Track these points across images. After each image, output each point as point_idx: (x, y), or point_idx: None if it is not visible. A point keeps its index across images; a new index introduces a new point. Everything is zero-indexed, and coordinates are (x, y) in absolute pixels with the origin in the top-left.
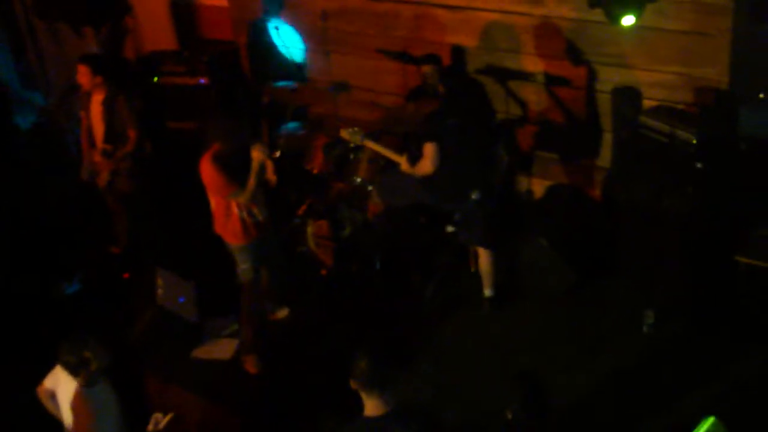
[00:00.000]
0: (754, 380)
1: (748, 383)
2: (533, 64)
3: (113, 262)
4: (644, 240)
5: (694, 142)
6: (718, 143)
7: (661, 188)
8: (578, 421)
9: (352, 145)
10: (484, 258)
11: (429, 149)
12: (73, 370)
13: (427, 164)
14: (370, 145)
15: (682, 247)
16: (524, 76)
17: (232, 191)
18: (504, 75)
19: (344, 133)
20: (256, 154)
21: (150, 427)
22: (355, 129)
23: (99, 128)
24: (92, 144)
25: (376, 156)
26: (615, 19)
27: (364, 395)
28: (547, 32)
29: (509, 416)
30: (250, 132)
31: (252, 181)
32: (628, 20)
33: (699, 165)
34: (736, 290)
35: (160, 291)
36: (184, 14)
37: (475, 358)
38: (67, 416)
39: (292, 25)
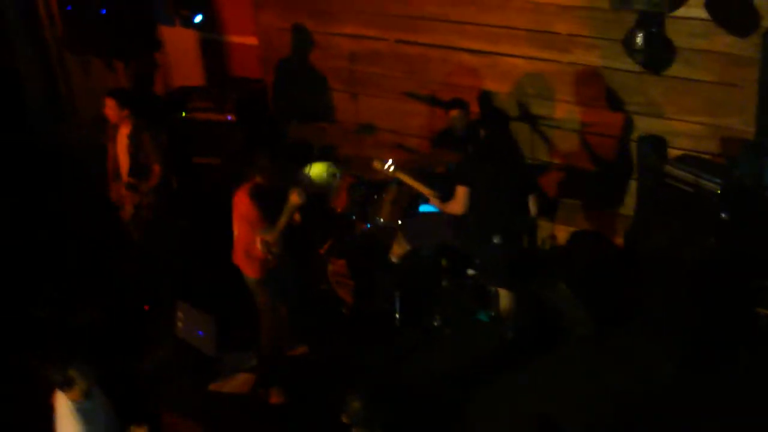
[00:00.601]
0: None
1: None
2: (560, 111)
3: (135, 294)
4: (665, 289)
5: (719, 192)
6: (743, 193)
7: (685, 238)
8: None
9: (384, 175)
10: (504, 299)
11: (460, 192)
12: (60, 387)
13: (457, 206)
14: (402, 176)
15: (704, 297)
16: (550, 122)
17: (262, 227)
18: (530, 120)
19: (377, 164)
20: (294, 198)
21: None
22: (387, 160)
23: (124, 161)
24: (117, 176)
25: (399, 197)
26: (657, 68)
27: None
28: (574, 79)
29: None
30: (291, 174)
31: (283, 221)
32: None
33: (723, 215)
34: (758, 341)
35: (179, 324)
36: (213, 51)
37: (489, 401)
38: (59, 428)
39: (320, 65)
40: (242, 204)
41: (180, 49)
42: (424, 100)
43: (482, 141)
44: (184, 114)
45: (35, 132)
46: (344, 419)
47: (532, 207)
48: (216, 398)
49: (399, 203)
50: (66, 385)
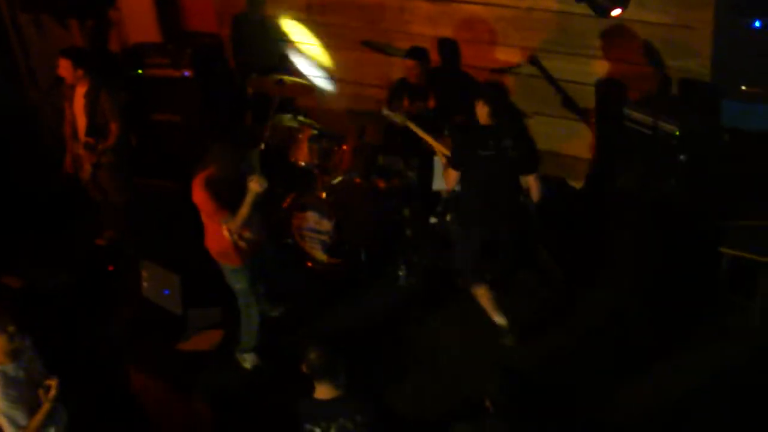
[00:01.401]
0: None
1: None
2: (517, 57)
3: (98, 255)
4: (628, 230)
5: (678, 133)
6: (700, 135)
7: (645, 180)
8: (557, 407)
9: (396, 123)
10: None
11: (452, 175)
12: None
13: (448, 183)
14: (413, 127)
15: (666, 237)
16: (507, 69)
17: (222, 217)
18: (487, 67)
19: (386, 111)
20: (253, 186)
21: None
22: (398, 112)
23: (82, 121)
24: (75, 137)
25: (361, 148)
26: (603, 12)
27: (315, 381)
28: (532, 25)
29: (487, 404)
30: (248, 160)
31: (244, 211)
32: (615, 12)
33: (682, 156)
34: (719, 281)
35: (144, 283)
36: (168, 7)
37: (455, 348)
38: None
39: (276, 18)
40: (197, 195)
41: (134, 5)
42: (382, 50)
43: (492, 119)
44: (140, 71)
45: None
46: (304, 369)
47: (533, 190)
48: (183, 356)
49: (360, 153)
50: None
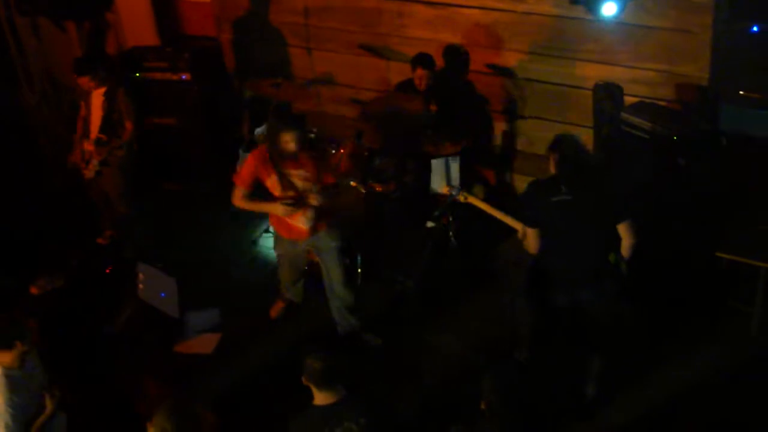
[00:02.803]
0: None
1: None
2: (515, 60)
3: (97, 256)
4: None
5: (675, 138)
6: (699, 139)
7: (642, 185)
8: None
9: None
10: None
11: (530, 233)
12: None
13: (530, 247)
14: (477, 203)
15: (662, 243)
16: (505, 72)
17: (238, 184)
18: (485, 71)
19: (446, 190)
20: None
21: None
22: (458, 188)
23: (96, 118)
24: (86, 134)
25: (357, 151)
26: (596, 10)
27: (314, 389)
28: (529, 28)
29: (482, 405)
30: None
31: (256, 207)
32: (609, 9)
33: (680, 161)
34: (717, 286)
35: (140, 286)
36: (166, 10)
37: (452, 350)
38: None
39: (274, 21)
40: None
41: (132, 8)
42: (379, 53)
43: (560, 168)
44: (137, 74)
45: None
46: (305, 381)
47: (626, 237)
48: (181, 359)
49: (357, 157)
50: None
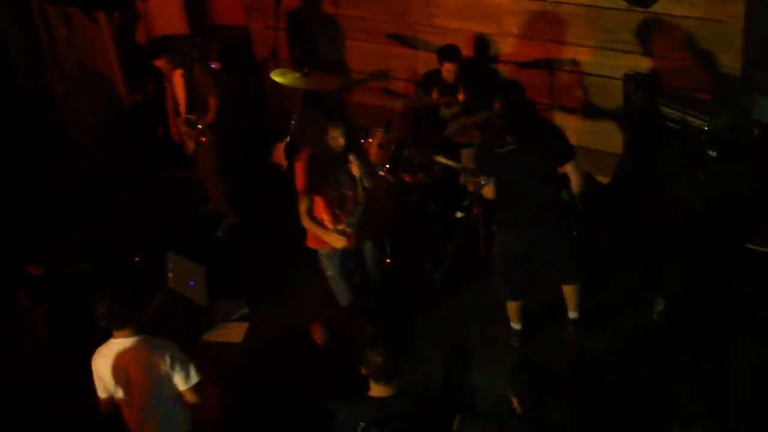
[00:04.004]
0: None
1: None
2: (546, 51)
3: (124, 247)
4: (656, 227)
5: (707, 129)
6: (730, 130)
7: (673, 176)
8: (582, 408)
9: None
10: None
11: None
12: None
13: (487, 194)
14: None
15: (694, 235)
16: (536, 63)
17: (301, 199)
18: (516, 61)
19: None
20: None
21: None
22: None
23: (182, 99)
24: (177, 113)
25: (386, 141)
26: (644, 3)
27: (372, 381)
28: (560, 18)
29: (515, 403)
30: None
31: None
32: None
33: (711, 152)
34: (748, 278)
35: (170, 275)
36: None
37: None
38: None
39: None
40: (295, 173)
41: None
42: (408, 43)
43: (503, 119)
44: None
45: (20, 84)
46: (363, 371)
47: (573, 175)
48: (210, 348)
49: (386, 147)
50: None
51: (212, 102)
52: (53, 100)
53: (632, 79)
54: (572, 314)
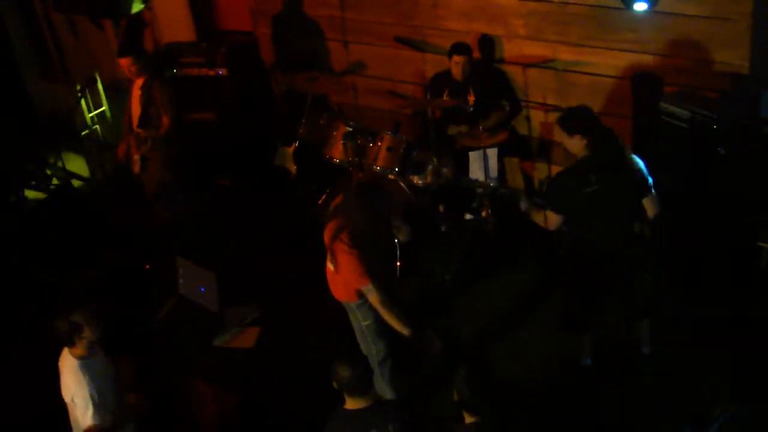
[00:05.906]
0: None
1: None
2: (552, 52)
3: (135, 253)
4: (666, 225)
5: (715, 127)
6: (739, 128)
7: (682, 174)
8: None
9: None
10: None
11: (552, 218)
12: (67, 340)
13: (550, 225)
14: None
15: (704, 232)
16: (544, 64)
17: (365, 284)
18: (523, 62)
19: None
20: (400, 237)
21: None
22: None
23: (136, 112)
24: (131, 128)
25: (395, 144)
26: (628, 3)
27: (345, 394)
28: (566, 19)
29: (456, 397)
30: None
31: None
32: (639, 6)
33: (720, 150)
34: (760, 275)
35: (180, 281)
36: (202, 6)
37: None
38: (66, 393)
39: (310, 14)
40: (343, 259)
41: (168, 4)
42: (415, 46)
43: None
44: (174, 71)
45: (27, 93)
46: (335, 385)
47: (650, 209)
48: (221, 354)
49: (395, 150)
50: (74, 335)
51: (165, 120)
52: (61, 107)
53: (641, 79)
54: (645, 349)
